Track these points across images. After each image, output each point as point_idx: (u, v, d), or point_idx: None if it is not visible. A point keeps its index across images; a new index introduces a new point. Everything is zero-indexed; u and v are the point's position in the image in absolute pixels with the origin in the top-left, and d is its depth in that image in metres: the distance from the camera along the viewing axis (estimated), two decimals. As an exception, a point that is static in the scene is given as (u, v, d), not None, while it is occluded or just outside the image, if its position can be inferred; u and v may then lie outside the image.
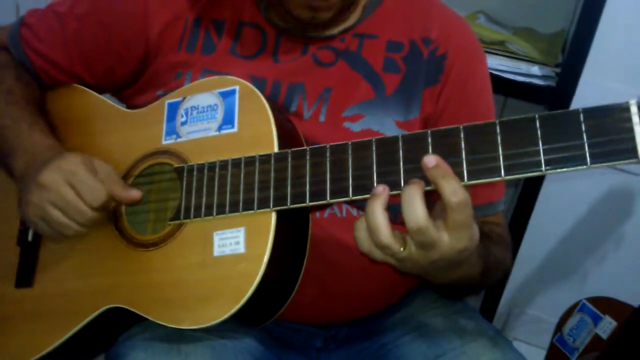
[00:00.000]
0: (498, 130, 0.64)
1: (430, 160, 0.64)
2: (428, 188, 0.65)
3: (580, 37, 1.33)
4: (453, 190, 0.63)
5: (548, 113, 0.62)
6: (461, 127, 0.66)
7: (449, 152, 0.66)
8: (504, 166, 0.63)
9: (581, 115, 0.60)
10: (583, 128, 0.60)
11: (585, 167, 0.59)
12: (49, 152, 0.89)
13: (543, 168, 0.61)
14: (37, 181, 0.82)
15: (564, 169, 0.60)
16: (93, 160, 0.85)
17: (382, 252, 0.68)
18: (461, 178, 0.65)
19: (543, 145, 0.61)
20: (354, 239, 0.70)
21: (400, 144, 0.69)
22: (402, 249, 0.67)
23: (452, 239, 0.66)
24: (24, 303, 0.93)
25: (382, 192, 0.67)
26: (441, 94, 0.93)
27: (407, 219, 0.65)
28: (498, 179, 0.63)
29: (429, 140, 0.67)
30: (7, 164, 0.92)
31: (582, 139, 0.60)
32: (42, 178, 0.82)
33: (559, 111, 0.62)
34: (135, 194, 0.86)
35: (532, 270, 1.84)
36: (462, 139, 0.65)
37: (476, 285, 0.88)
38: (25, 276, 0.94)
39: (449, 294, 1.00)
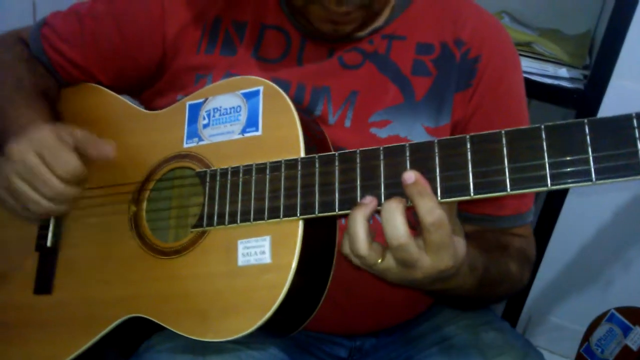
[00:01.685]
0: (544, 136, 0.60)
1: (410, 176, 0.63)
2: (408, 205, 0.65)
3: (610, 39, 1.28)
4: (428, 209, 0.62)
5: (597, 118, 0.58)
6: (503, 131, 0.62)
7: (490, 159, 0.62)
8: (551, 175, 0.59)
9: (635, 121, 0.56)
10: (637, 134, 0.56)
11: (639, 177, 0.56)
12: (31, 125, 0.84)
13: (593, 178, 0.57)
14: (5, 152, 0.77)
15: (616, 179, 0.57)
16: (69, 128, 0.81)
17: (360, 261, 0.68)
18: (504, 187, 0.61)
19: (593, 152, 0.58)
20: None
21: (436, 149, 0.66)
22: (379, 260, 0.67)
23: (433, 259, 0.65)
24: (43, 310, 0.90)
25: (368, 202, 0.66)
26: (472, 98, 0.89)
27: (388, 234, 0.64)
28: (544, 189, 0.59)
29: (468, 145, 0.64)
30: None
31: (636, 146, 0.56)
32: (10, 148, 0.77)
33: (610, 116, 0.58)
34: (106, 147, 0.82)
35: (555, 276, 1.81)
36: (505, 144, 0.62)
37: (474, 297, 0.85)
38: (44, 283, 0.91)
39: (446, 302, 0.98)
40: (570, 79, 1.36)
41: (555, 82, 1.36)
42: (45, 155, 0.77)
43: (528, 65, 1.37)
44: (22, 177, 0.77)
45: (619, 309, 1.44)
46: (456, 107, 0.89)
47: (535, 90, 1.35)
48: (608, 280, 1.74)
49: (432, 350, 0.93)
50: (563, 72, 1.37)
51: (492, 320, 0.97)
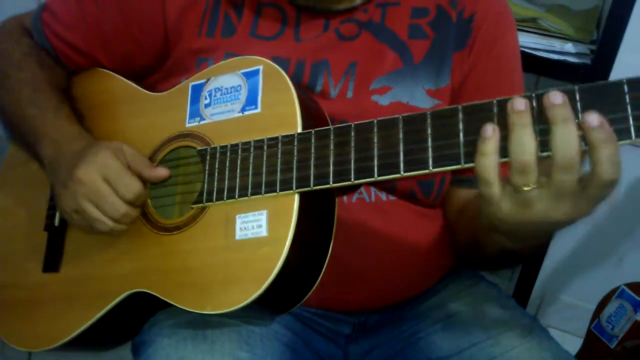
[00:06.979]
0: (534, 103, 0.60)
1: (520, 102, 0.58)
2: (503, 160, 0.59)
3: (617, 12, 1.27)
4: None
5: (590, 84, 0.59)
6: (494, 100, 0.62)
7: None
8: None
9: (625, 87, 0.58)
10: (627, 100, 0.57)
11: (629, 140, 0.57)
12: (76, 141, 0.89)
13: None
14: (73, 176, 0.82)
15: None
16: (122, 147, 0.84)
17: (518, 178, 0.58)
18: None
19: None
20: (475, 167, 0.60)
21: (429, 120, 0.66)
22: (532, 186, 0.58)
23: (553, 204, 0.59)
24: (51, 287, 0.93)
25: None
26: (469, 57, 0.90)
27: (514, 153, 0.57)
28: None
29: (460, 116, 0.64)
30: (35, 152, 0.92)
31: (626, 111, 0.57)
32: (78, 173, 0.81)
33: (602, 82, 0.59)
34: (162, 172, 0.85)
35: (566, 255, 1.80)
36: (495, 114, 0.62)
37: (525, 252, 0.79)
38: (52, 261, 0.94)
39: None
40: (577, 54, 1.34)
41: (562, 57, 1.34)
42: (112, 181, 0.81)
43: (534, 42, 1.35)
44: (91, 201, 0.82)
45: (629, 285, 1.43)
46: (455, 66, 0.89)
47: (542, 66, 1.34)
48: (620, 258, 1.73)
49: (436, 327, 0.94)
50: (569, 47, 1.35)
51: (498, 297, 0.97)
